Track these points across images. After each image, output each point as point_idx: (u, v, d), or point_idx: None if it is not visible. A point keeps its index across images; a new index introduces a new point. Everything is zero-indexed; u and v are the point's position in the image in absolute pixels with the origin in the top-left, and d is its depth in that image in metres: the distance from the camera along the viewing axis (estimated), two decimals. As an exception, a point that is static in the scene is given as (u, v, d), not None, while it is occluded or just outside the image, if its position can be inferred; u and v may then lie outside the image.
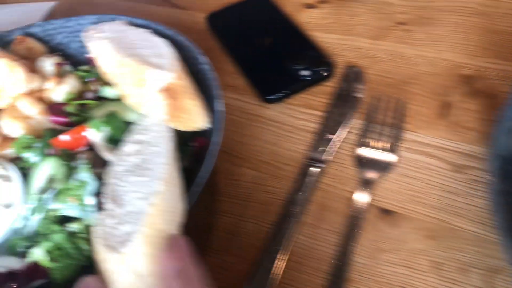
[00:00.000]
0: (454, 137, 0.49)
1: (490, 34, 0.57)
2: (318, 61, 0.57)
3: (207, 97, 0.47)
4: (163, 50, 0.49)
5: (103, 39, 0.51)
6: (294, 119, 0.53)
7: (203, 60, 0.51)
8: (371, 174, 0.47)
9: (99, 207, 0.42)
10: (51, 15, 0.74)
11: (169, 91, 0.43)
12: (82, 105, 0.51)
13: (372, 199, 0.46)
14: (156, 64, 0.46)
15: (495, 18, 0.59)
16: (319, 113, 0.53)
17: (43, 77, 0.54)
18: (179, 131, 0.44)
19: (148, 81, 0.44)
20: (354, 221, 0.44)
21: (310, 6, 0.67)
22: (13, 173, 0.46)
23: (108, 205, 0.38)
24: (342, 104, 0.53)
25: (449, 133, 0.49)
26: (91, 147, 0.46)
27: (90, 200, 0.42)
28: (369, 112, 0.52)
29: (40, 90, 0.53)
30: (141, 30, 0.54)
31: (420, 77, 0.55)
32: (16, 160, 0.49)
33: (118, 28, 0.55)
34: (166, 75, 0.44)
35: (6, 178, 0.45)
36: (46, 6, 0.75)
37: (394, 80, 0.55)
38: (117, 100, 0.50)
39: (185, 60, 0.50)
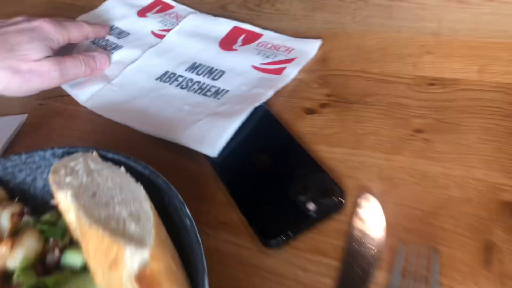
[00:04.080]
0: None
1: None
2: (326, 188, 0.47)
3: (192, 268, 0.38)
4: (143, 207, 0.40)
5: (70, 188, 0.41)
6: (302, 271, 0.43)
7: (187, 214, 0.42)
8: None
9: None
10: (21, 131, 0.66)
11: (146, 279, 0.34)
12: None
13: None
14: (133, 235, 0.36)
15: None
16: (333, 262, 0.43)
17: (-2, 235, 0.45)
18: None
19: (124, 263, 0.34)
20: None
21: (310, 111, 0.59)
22: None
23: None
24: (359, 256, 0.43)
25: (496, 288, 0.39)
26: None
27: None
28: (394, 264, 0.42)
29: (-8, 255, 0.45)
30: (119, 169, 0.45)
31: (451, 205, 0.45)
32: None
33: (93, 165, 0.46)
34: (144, 254, 0.35)
35: None
36: (16, 121, 0.67)
37: (420, 211, 0.45)
38: (84, 272, 0.40)
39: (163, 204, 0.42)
